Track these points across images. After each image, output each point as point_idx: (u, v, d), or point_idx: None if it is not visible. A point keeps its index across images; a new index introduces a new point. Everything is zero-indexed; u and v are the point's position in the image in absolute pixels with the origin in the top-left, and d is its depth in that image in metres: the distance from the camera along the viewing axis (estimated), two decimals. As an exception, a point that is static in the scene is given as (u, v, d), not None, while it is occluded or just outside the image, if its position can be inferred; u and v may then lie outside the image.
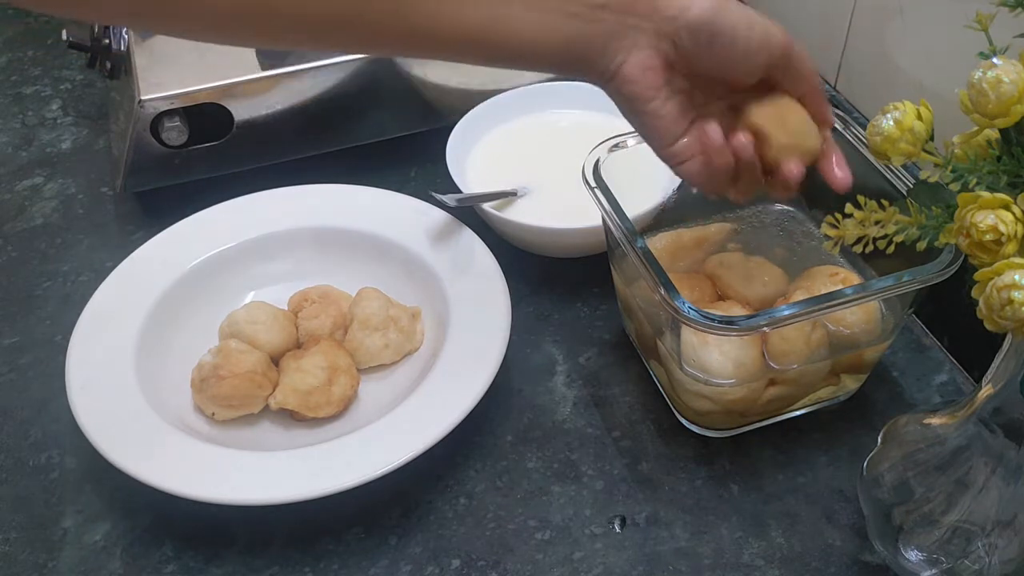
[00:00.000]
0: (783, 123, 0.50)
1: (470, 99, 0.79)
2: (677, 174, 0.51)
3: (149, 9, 0.42)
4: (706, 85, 0.50)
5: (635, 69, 0.47)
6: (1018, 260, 0.37)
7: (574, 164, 0.61)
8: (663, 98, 0.48)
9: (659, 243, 0.66)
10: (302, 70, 0.76)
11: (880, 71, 0.69)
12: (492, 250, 0.69)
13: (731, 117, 0.51)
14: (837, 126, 0.61)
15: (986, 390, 0.46)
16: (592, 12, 0.46)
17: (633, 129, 0.52)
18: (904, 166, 0.56)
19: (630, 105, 0.49)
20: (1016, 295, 0.36)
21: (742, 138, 0.49)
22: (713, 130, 0.49)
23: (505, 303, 0.65)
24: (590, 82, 0.49)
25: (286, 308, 0.68)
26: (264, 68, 0.76)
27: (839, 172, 0.51)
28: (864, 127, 0.53)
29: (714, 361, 0.56)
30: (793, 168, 0.50)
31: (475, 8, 0.44)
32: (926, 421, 0.51)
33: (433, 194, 0.71)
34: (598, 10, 0.46)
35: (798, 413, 0.62)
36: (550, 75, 0.79)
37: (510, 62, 0.48)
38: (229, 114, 0.76)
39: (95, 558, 0.57)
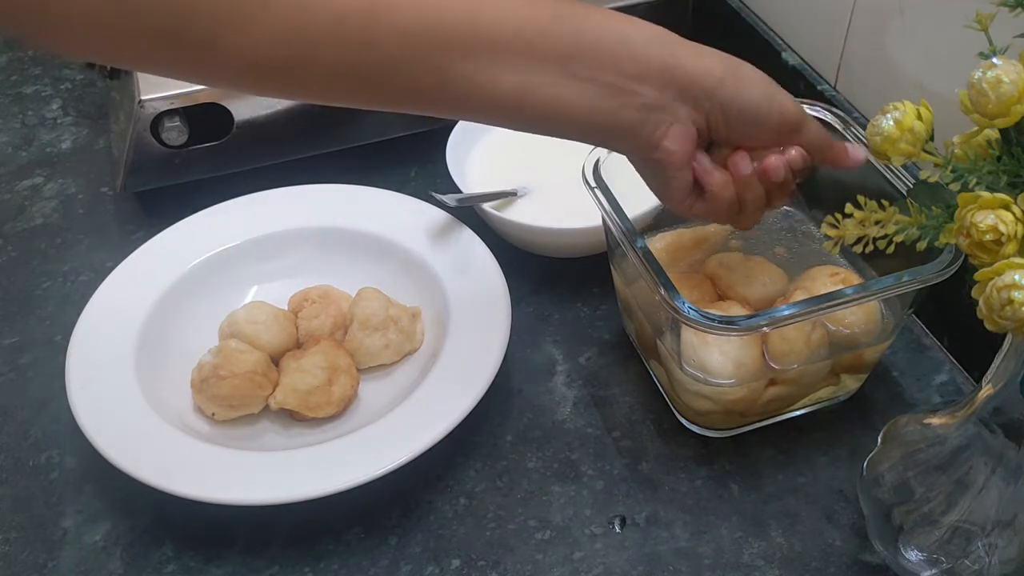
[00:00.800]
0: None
1: (470, 99, 0.79)
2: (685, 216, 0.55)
3: (188, 59, 0.42)
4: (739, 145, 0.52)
5: (676, 142, 0.49)
6: (1018, 260, 0.37)
7: (574, 164, 0.61)
8: (690, 166, 0.51)
9: (659, 243, 0.66)
10: (302, 70, 0.76)
11: (880, 71, 0.69)
12: (492, 250, 0.69)
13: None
14: (837, 126, 0.62)
15: (986, 390, 0.46)
16: (629, 83, 0.47)
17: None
18: (904, 166, 0.56)
19: (661, 172, 0.51)
20: (1016, 295, 0.36)
21: (740, 153, 0.51)
22: (718, 175, 0.51)
23: (505, 303, 0.65)
24: (630, 153, 0.51)
25: (286, 308, 0.68)
26: (264, 68, 0.76)
27: (852, 153, 0.53)
28: (864, 127, 0.53)
29: (714, 361, 0.56)
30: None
31: (511, 74, 0.45)
32: (926, 421, 0.51)
33: (433, 194, 0.71)
34: (635, 82, 0.47)
35: (798, 413, 0.62)
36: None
37: (548, 129, 0.49)
38: (229, 114, 0.76)
39: (95, 558, 0.57)
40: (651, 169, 0.52)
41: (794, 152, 0.51)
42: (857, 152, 0.53)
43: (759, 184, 0.52)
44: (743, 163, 0.51)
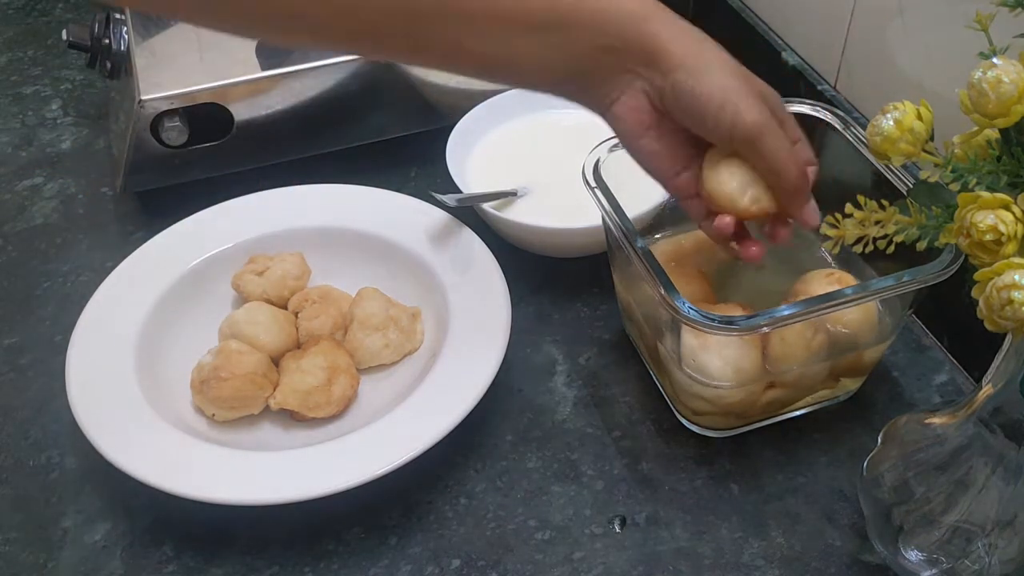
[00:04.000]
0: (720, 182, 0.50)
1: (470, 99, 0.79)
2: (684, 209, 0.54)
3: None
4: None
5: (625, 108, 0.50)
6: (1018, 260, 0.37)
7: (574, 164, 0.61)
8: (652, 136, 0.51)
9: (659, 249, 0.66)
10: (302, 70, 0.76)
11: (880, 71, 0.69)
12: (492, 250, 0.69)
13: None
14: (837, 126, 0.62)
15: (986, 390, 0.46)
16: (594, 52, 0.48)
17: None
18: (904, 166, 0.56)
19: (623, 139, 0.52)
20: (1016, 295, 0.36)
21: (726, 219, 0.51)
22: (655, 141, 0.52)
23: (505, 303, 0.65)
24: (587, 108, 0.52)
25: (286, 308, 0.68)
26: (264, 68, 0.76)
27: (807, 215, 0.52)
28: (864, 127, 0.53)
29: (713, 363, 0.56)
30: (725, 220, 0.51)
31: (487, 43, 0.48)
32: (926, 421, 0.51)
33: (433, 194, 0.71)
34: (600, 51, 0.48)
35: (798, 413, 0.62)
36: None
37: (509, 84, 0.53)
38: (229, 114, 0.76)
39: (95, 558, 0.57)
40: (622, 141, 0.53)
41: (780, 232, 0.53)
42: (811, 215, 0.51)
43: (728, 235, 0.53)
44: (724, 228, 0.51)
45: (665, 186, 0.53)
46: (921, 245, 0.42)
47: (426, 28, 0.47)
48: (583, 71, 0.49)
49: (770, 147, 0.48)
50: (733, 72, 0.49)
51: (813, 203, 0.51)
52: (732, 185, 0.50)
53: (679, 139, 0.51)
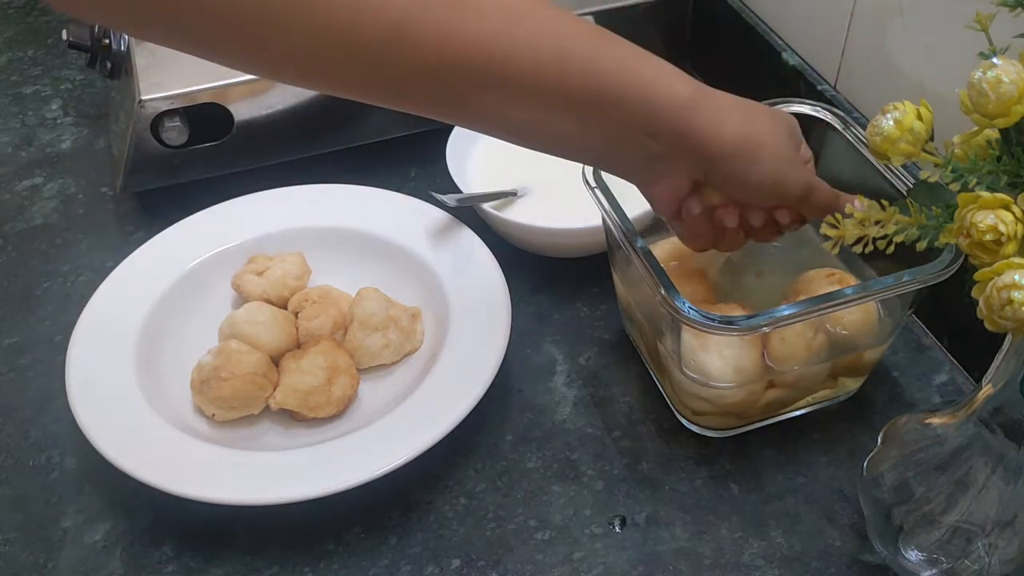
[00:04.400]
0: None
1: (470, 99, 0.79)
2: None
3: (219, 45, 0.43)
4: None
5: (666, 192, 0.51)
6: (1018, 260, 0.36)
7: (574, 164, 0.60)
8: (690, 205, 0.52)
9: (659, 250, 0.66)
10: (302, 70, 0.76)
11: (880, 71, 0.69)
12: (492, 250, 0.69)
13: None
14: (837, 126, 0.62)
15: (986, 390, 0.46)
16: (639, 136, 0.47)
17: None
18: (904, 166, 0.56)
19: (654, 208, 0.53)
20: (1016, 295, 0.36)
21: (729, 208, 0.52)
22: (691, 207, 0.52)
23: (505, 303, 0.65)
24: (626, 180, 0.53)
25: (286, 308, 0.68)
26: (264, 68, 0.76)
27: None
28: (864, 127, 0.53)
29: (714, 364, 0.56)
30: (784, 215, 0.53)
31: (524, 109, 0.46)
32: (926, 421, 0.51)
33: (433, 194, 0.71)
34: (645, 136, 0.47)
35: (798, 413, 0.62)
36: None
37: (554, 154, 0.50)
38: (229, 114, 0.76)
39: (95, 558, 0.57)
40: (641, 191, 0.53)
41: (783, 215, 0.52)
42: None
43: (738, 229, 0.53)
44: (729, 218, 0.52)
45: (657, 213, 0.54)
46: (921, 245, 0.42)
47: (465, 92, 0.45)
48: (629, 154, 0.48)
49: (813, 204, 0.52)
50: (777, 145, 0.49)
51: (844, 197, 0.53)
52: None
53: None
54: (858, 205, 0.50)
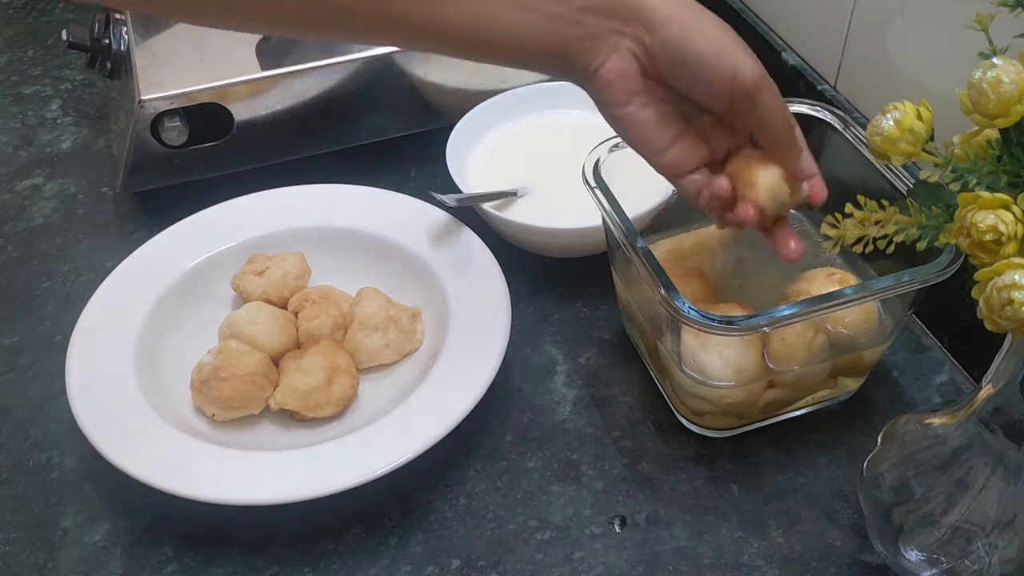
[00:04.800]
0: (751, 182, 0.49)
1: (470, 99, 0.79)
2: (677, 189, 0.52)
3: None
4: (690, 98, 0.49)
5: (611, 73, 0.48)
6: (1018, 260, 0.37)
7: (574, 164, 0.61)
8: (639, 104, 0.48)
9: (659, 249, 0.66)
10: (302, 70, 0.76)
11: (880, 71, 0.69)
12: (492, 250, 0.69)
13: (722, 132, 0.51)
14: (837, 126, 0.62)
15: (986, 390, 0.46)
16: (574, 14, 0.46)
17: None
18: (904, 166, 0.56)
19: (608, 110, 0.50)
20: (1016, 295, 0.36)
21: (723, 182, 0.49)
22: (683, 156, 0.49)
23: (505, 303, 0.65)
24: (573, 82, 0.50)
25: (286, 308, 0.68)
26: (264, 68, 0.76)
27: (792, 245, 0.51)
28: (864, 127, 0.53)
29: (714, 364, 0.56)
30: (748, 210, 0.50)
31: (456, 7, 0.45)
32: (926, 421, 0.51)
33: (433, 194, 0.71)
34: (580, 12, 0.46)
35: (798, 413, 0.62)
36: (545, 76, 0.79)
37: (495, 59, 0.49)
38: (229, 114, 0.76)
39: (95, 558, 0.57)
40: (605, 112, 0.50)
41: (749, 210, 0.49)
42: (796, 251, 0.51)
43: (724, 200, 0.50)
44: (746, 216, 0.49)
45: (653, 162, 0.51)
46: (921, 245, 0.42)
47: None
48: (566, 37, 0.47)
49: (769, 99, 0.47)
50: (723, 26, 0.47)
51: (808, 152, 0.50)
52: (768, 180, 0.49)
53: (667, 109, 0.49)
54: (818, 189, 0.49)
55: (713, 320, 0.50)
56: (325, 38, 0.47)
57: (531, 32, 0.47)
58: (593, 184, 0.59)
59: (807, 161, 0.50)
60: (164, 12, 0.47)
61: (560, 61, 0.48)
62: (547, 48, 0.47)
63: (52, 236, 0.80)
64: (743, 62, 0.46)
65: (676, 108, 0.49)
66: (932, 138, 0.42)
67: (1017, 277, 0.36)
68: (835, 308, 0.52)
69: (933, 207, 0.42)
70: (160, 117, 0.74)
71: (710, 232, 0.67)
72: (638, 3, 0.46)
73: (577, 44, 0.47)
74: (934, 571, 0.50)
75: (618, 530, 0.58)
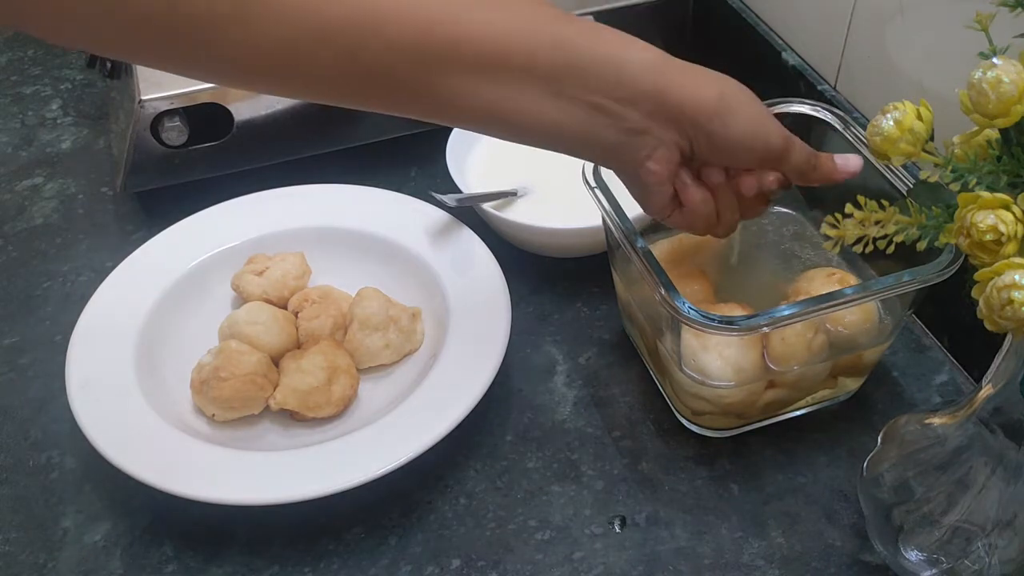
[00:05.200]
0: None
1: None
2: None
3: (177, 51, 0.43)
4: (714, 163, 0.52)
5: (658, 165, 0.49)
6: (1018, 260, 0.37)
7: (574, 164, 0.60)
8: (669, 183, 0.51)
9: (658, 249, 0.66)
10: (302, 70, 0.76)
11: (880, 71, 0.69)
12: (492, 250, 0.69)
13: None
14: (837, 126, 0.62)
15: (986, 390, 0.46)
16: (616, 106, 0.47)
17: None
18: (904, 166, 0.56)
19: (642, 189, 0.51)
20: (1016, 295, 0.36)
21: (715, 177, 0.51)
22: (693, 195, 0.51)
23: (505, 303, 0.65)
24: (608, 167, 0.52)
25: (286, 308, 0.68)
26: (264, 68, 0.76)
27: (843, 165, 0.53)
28: (864, 127, 0.53)
29: (714, 364, 0.56)
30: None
31: (495, 90, 0.45)
32: (926, 421, 0.51)
33: (433, 194, 0.71)
34: (622, 105, 0.47)
35: (798, 413, 0.62)
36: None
37: (530, 142, 0.49)
38: (229, 114, 0.76)
39: (95, 558, 0.57)
40: (632, 181, 0.52)
41: (771, 178, 0.51)
42: (848, 162, 0.53)
43: (734, 200, 0.53)
44: (716, 178, 0.51)
45: (652, 215, 0.53)
46: (921, 245, 0.42)
47: (440, 73, 0.44)
48: (607, 130, 0.47)
49: (796, 153, 0.51)
50: (750, 100, 0.49)
51: (834, 157, 0.53)
52: None
53: (680, 172, 0.51)
54: (845, 162, 0.52)
55: (713, 320, 0.50)
56: (360, 107, 0.47)
57: (569, 120, 0.47)
58: (593, 184, 0.59)
59: (844, 162, 0.53)
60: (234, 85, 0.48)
61: (601, 149, 0.49)
62: (587, 137, 0.48)
63: (52, 236, 0.80)
64: (774, 132, 0.50)
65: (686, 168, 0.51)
66: (932, 138, 0.42)
67: (1017, 277, 0.36)
68: (835, 308, 0.52)
69: (933, 207, 0.42)
70: (160, 117, 0.74)
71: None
72: (682, 100, 0.47)
73: (621, 137, 0.48)
74: (934, 571, 0.50)
75: (618, 530, 0.58)
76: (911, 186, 0.57)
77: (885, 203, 0.43)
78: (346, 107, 0.47)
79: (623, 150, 0.49)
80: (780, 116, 0.61)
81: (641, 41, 0.47)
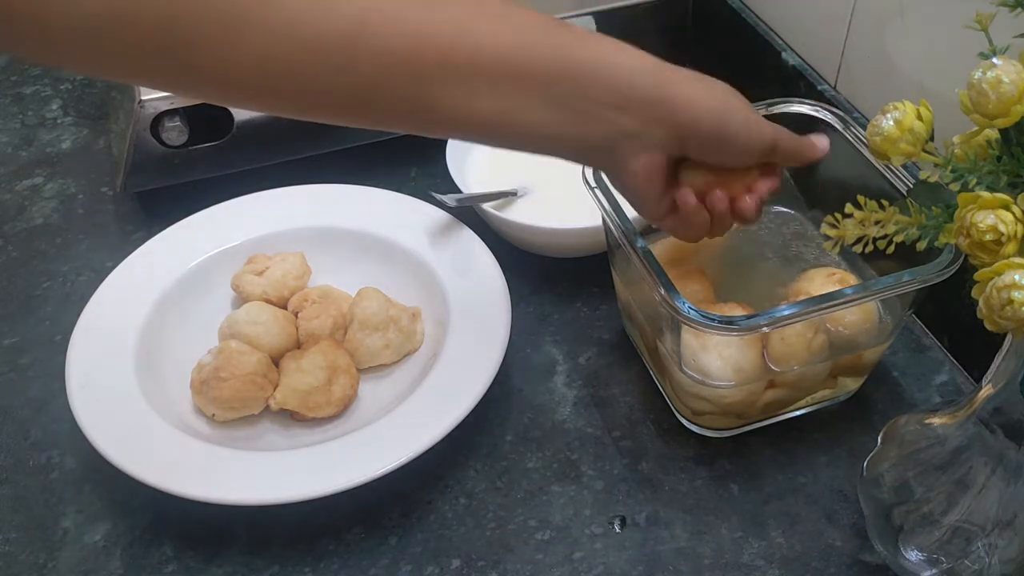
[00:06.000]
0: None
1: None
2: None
3: (169, 69, 0.42)
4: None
5: (641, 168, 0.49)
6: (1018, 260, 0.37)
7: (574, 164, 0.60)
8: (657, 183, 0.50)
9: (659, 249, 0.66)
10: (302, 70, 0.76)
11: (880, 71, 0.69)
12: (492, 250, 0.69)
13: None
14: (837, 126, 0.62)
15: (986, 390, 0.46)
16: (607, 111, 0.47)
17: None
18: (904, 166, 0.56)
19: (628, 192, 0.52)
20: (1016, 295, 0.36)
21: (718, 193, 0.51)
22: (688, 200, 0.51)
23: (505, 303, 0.65)
24: (598, 168, 0.53)
25: (286, 308, 0.68)
26: (264, 68, 0.76)
27: (818, 143, 0.53)
28: (864, 127, 0.53)
29: (714, 364, 0.56)
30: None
31: (488, 99, 0.45)
32: (926, 421, 0.51)
33: (433, 194, 0.71)
34: (614, 111, 0.47)
35: (798, 413, 0.62)
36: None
37: (521, 149, 0.49)
38: (229, 114, 0.76)
39: (95, 558, 0.57)
40: (621, 188, 0.52)
41: (765, 188, 0.52)
42: (820, 140, 0.53)
43: (727, 206, 0.52)
44: (719, 203, 0.51)
45: (644, 218, 0.53)
46: (921, 245, 0.42)
47: (432, 85, 0.44)
48: (601, 135, 0.48)
49: (784, 141, 0.51)
50: (741, 101, 0.50)
51: (810, 138, 0.53)
52: None
53: (669, 172, 0.51)
54: (819, 140, 0.53)
55: (713, 320, 0.50)
56: (352, 123, 0.47)
57: (560, 125, 0.47)
58: (593, 184, 0.59)
59: (818, 140, 0.53)
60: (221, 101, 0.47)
61: (590, 152, 0.50)
62: (577, 141, 0.48)
63: (52, 236, 0.80)
64: (765, 126, 0.50)
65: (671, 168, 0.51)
66: (932, 138, 0.42)
67: (1017, 277, 0.36)
68: (835, 308, 0.52)
69: (933, 207, 0.42)
70: (160, 117, 0.74)
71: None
72: (675, 103, 0.47)
73: (610, 141, 0.48)
74: (934, 571, 0.50)
75: (618, 530, 0.58)
76: (911, 186, 0.57)
77: (885, 203, 0.43)
78: (341, 125, 0.47)
79: (610, 153, 0.49)
80: (780, 116, 0.62)
81: (634, 47, 0.48)
